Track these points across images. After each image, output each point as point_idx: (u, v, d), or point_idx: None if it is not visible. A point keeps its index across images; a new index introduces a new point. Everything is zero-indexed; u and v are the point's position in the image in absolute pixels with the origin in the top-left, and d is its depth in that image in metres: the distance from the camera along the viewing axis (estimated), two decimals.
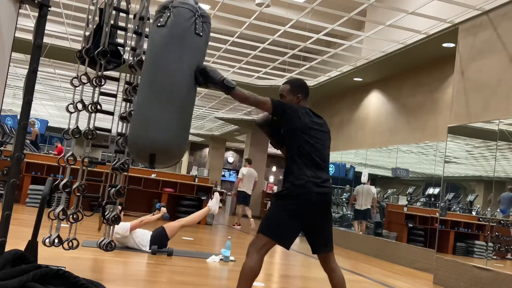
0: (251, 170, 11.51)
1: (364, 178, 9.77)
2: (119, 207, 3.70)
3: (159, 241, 5.52)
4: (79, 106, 3.51)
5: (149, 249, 5.46)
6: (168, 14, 2.85)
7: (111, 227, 3.73)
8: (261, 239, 2.79)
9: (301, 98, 3.03)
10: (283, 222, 2.80)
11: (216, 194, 6.47)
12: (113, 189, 3.62)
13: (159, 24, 2.86)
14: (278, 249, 8.23)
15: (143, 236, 5.56)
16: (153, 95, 2.79)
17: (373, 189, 9.56)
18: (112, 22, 3.60)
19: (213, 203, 6.18)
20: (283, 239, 2.85)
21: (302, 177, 2.81)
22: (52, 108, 19.89)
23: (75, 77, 3.56)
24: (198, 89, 13.61)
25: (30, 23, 8.31)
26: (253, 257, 2.74)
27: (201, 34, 2.92)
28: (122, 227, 5.39)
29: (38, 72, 2.94)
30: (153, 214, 5.94)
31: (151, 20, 3.70)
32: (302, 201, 2.79)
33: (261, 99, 2.85)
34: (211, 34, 8.64)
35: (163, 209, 5.92)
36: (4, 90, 2.80)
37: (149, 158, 2.76)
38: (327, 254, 2.99)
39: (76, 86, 3.56)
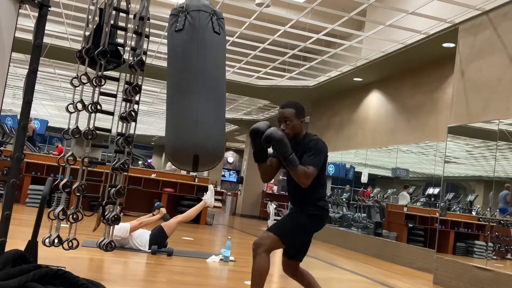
0: None
1: (364, 178, 9.77)
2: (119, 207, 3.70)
3: (159, 240, 5.52)
4: (79, 106, 3.51)
5: (149, 249, 5.46)
6: (184, 17, 2.93)
7: (111, 227, 3.73)
8: (276, 242, 2.95)
9: (304, 121, 3.13)
10: (304, 235, 3.09)
11: (210, 187, 6.45)
12: (113, 189, 3.62)
13: (176, 29, 2.95)
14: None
15: (142, 237, 5.55)
16: (194, 96, 2.89)
17: (406, 195, 9.57)
18: (112, 22, 3.60)
19: (208, 196, 6.17)
20: (292, 246, 3.12)
21: (326, 202, 3.13)
22: (52, 108, 19.89)
23: (75, 77, 3.56)
24: None
25: (30, 23, 8.30)
26: (264, 257, 2.89)
27: (219, 32, 3.03)
28: (122, 229, 5.37)
29: (38, 72, 2.94)
30: (153, 215, 5.92)
31: (151, 20, 3.71)
32: (324, 222, 3.11)
33: (311, 172, 2.93)
34: None
35: (163, 210, 5.88)
36: (4, 90, 2.79)
37: (193, 160, 2.87)
38: (298, 262, 3.23)
39: (76, 86, 3.56)
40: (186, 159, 2.89)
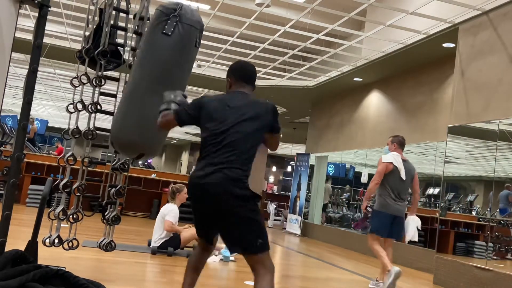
0: None
1: (364, 178, 9.77)
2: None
3: (171, 245, 5.55)
4: (79, 106, 3.52)
5: (158, 247, 5.48)
6: (175, 24, 3.14)
7: (111, 227, 3.74)
8: None
9: (232, 81, 2.77)
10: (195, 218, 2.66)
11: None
12: (113, 189, 3.62)
13: (164, 32, 3.22)
14: (278, 248, 8.22)
15: (175, 212, 5.70)
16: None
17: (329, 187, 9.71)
18: (112, 22, 3.60)
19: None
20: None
21: (198, 171, 2.53)
22: (52, 108, 19.89)
23: (75, 77, 3.57)
24: (198, 88, 13.56)
25: (30, 23, 8.30)
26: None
27: (198, 46, 3.21)
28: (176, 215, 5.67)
29: (38, 72, 2.94)
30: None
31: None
32: (189, 193, 2.59)
33: (165, 113, 2.67)
34: (211, 34, 8.69)
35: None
36: (4, 90, 2.80)
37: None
38: (248, 257, 2.50)
39: (76, 86, 3.57)
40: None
